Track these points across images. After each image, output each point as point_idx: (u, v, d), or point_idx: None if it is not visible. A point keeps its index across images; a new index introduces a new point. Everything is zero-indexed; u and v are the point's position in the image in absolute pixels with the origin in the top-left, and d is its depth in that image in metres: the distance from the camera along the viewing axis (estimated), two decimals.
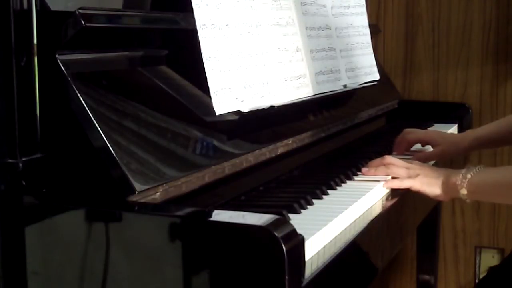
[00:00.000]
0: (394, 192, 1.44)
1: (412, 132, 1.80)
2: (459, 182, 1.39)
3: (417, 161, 1.56)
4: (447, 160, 1.84)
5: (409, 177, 1.46)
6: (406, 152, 1.77)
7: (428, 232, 2.42)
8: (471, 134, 1.79)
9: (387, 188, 1.43)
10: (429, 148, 1.77)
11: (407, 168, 1.48)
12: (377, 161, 1.53)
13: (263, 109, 1.33)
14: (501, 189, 1.39)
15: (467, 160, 2.35)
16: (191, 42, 1.23)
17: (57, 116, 1.04)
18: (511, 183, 1.36)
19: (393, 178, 1.47)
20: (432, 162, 1.72)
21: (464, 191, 1.39)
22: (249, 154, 1.30)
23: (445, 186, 1.42)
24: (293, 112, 1.50)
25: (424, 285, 2.46)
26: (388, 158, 1.52)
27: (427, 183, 1.44)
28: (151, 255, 0.95)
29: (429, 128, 2.14)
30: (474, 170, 1.40)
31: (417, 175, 1.45)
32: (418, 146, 1.80)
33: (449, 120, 2.26)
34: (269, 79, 1.39)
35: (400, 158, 1.55)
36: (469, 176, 1.39)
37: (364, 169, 1.51)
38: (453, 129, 2.17)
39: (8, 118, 1.01)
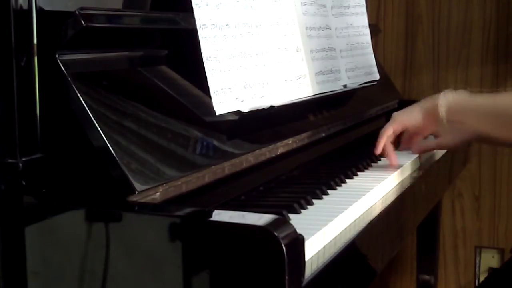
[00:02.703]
0: (394, 192, 1.44)
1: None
2: (441, 100, 1.43)
3: None
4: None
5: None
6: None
7: (428, 232, 2.42)
8: None
9: (378, 152, 1.49)
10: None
11: (390, 121, 1.53)
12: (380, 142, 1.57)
13: (263, 109, 1.33)
14: (481, 116, 1.39)
15: (467, 159, 2.35)
16: (191, 42, 1.23)
17: (57, 116, 1.04)
18: (491, 111, 1.38)
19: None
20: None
21: (443, 109, 1.42)
22: (249, 154, 1.30)
23: (426, 108, 1.46)
24: (293, 112, 1.50)
25: (424, 285, 2.46)
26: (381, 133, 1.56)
27: (406, 115, 1.50)
28: (151, 255, 0.95)
29: None
30: (458, 91, 1.44)
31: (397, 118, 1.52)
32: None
33: None
34: (269, 79, 1.39)
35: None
36: (451, 95, 1.43)
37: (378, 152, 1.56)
38: None
39: (8, 118, 1.01)
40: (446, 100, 1.41)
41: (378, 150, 1.55)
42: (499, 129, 1.37)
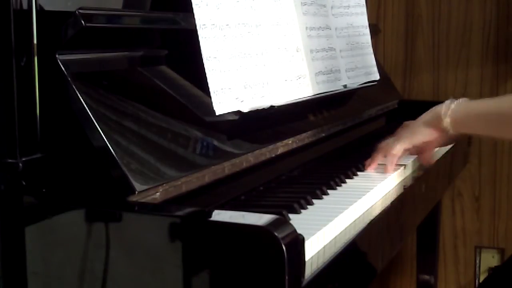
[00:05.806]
0: (394, 192, 1.44)
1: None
2: (443, 112, 1.40)
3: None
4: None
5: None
6: None
7: (428, 232, 2.42)
8: None
9: (390, 172, 1.46)
10: None
11: (396, 139, 1.50)
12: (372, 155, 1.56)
13: (263, 109, 1.33)
14: (484, 120, 1.37)
15: (467, 159, 2.35)
16: (191, 42, 1.23)
17: (57, 116, 1.04)
18: (494, 113, 1.35)
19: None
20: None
21: (447, 120, 1.39)
22: (249, 154, 1.30)
23: (430, 122, 1.43)
24: (293, 112, 1.50)
25: (424, 285, 2.46)
26: (379, 146, 1.56)
27: (411, 133, 1.46)
28: (151, 255, 0.95)
29: None
30: (459, 100, 1.40)
31: (403, 137, 1.49)
32: None
33: None
34: (269, 79, 1.39)
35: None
36: (453, 106, 1.39)
37: (368, 168, 1.54)
38: None
39: (8, 118, 1.01)
40: (450, 111, 1.39)
41: (372, 168, 1.54)
42: (504, 131, 1.37)
